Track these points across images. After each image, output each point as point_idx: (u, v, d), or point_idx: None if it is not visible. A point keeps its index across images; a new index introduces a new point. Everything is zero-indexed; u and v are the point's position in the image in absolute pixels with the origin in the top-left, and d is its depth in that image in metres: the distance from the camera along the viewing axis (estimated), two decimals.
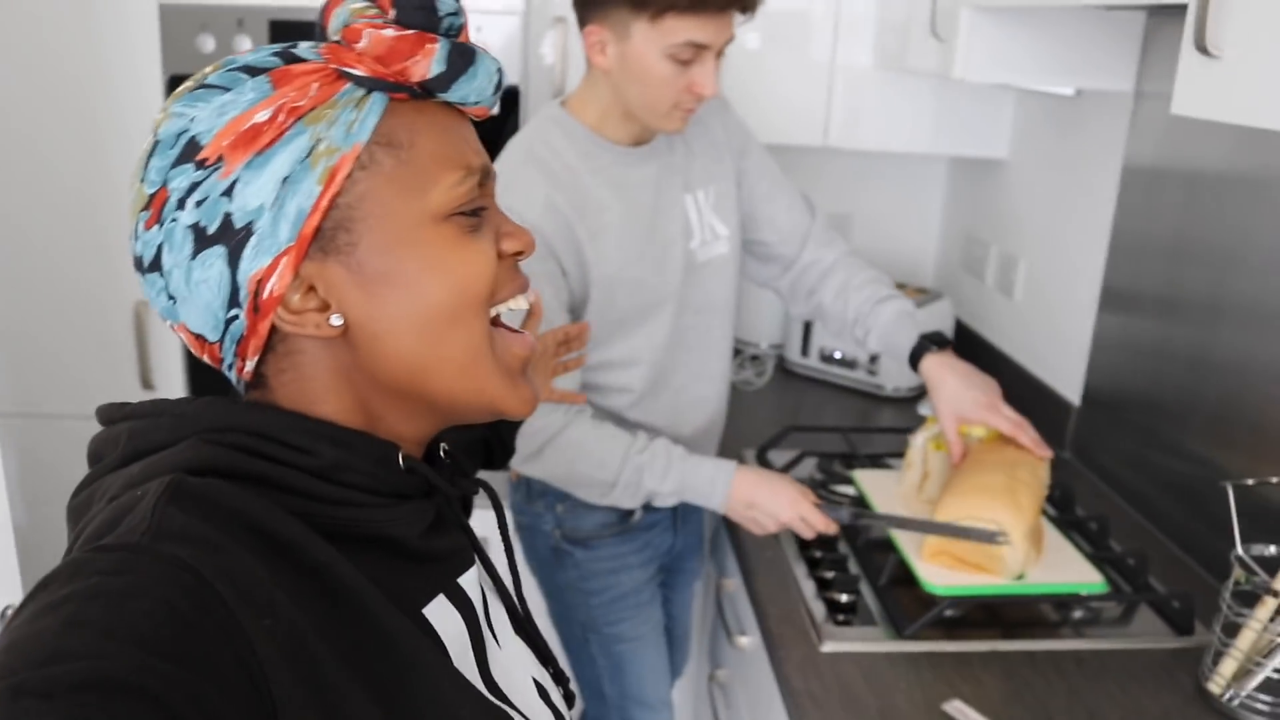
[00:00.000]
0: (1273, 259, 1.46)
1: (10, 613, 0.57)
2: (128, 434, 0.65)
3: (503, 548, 0.85)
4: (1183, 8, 1.08)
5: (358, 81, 0.65)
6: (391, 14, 0.65)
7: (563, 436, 1.52)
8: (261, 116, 0.62)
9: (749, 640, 1.63)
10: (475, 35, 2.03)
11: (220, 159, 0.62)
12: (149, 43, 2.00)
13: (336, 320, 0.65)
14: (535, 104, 2.13)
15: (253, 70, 0.64)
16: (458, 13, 0.67)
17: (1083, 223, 1.98)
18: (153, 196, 0.63)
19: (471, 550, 0.77)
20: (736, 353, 2.40)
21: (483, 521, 0.87)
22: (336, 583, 0.61)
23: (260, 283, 0.64)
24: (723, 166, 1.70)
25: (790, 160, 2.30)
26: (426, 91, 0.67)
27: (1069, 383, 2.03)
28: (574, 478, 1.56)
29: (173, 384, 2.18)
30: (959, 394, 1.59)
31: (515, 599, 0.83)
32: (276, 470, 0.63)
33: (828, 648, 1.37)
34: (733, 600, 1.75)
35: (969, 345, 2.39)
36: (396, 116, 0.66)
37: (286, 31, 1.99)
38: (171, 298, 0.65)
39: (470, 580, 0.75)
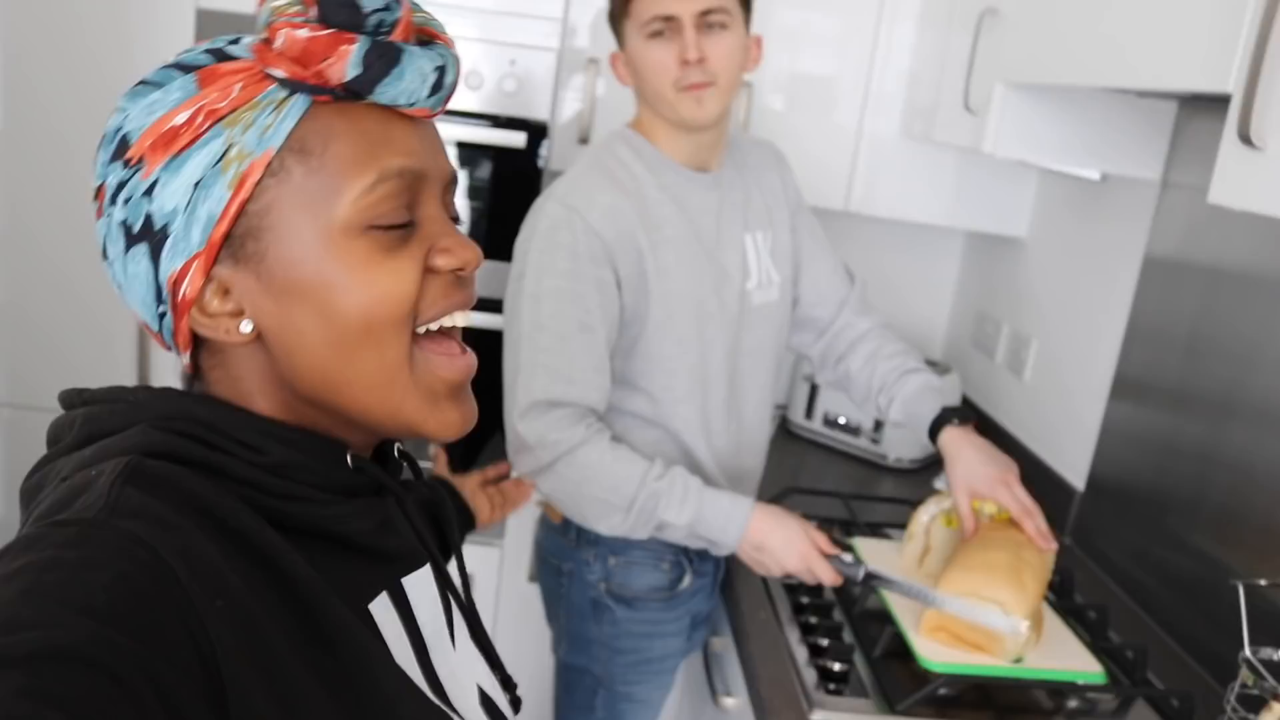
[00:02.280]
0: None
1: None
2: (83, 418, 0.66)
3: (456, 558, 0.85)
4: (1218, 99, 1.08)
5: (281, 83, 0.63)
6: (313, 12, 0.62)
7: (579, 453, 1.48)
8: (181, 118, 0.62)
9: (735, 702, 1.59)
10: (509, 68, 2.03)
11: (142, 159, 0.62)
12: (182, 47, 2.00)
13: (246, 327, 0.65)
14: (561, 142, 2.13)
15: (184, 68, 0.64)
16: (389, 7, 0.64)
17: (1099, 308, 1.97)
18: (97, 189, 0.65)
19: (424, 553, 0.76)
20: None
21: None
22: (287, 573, 0.61)
23: (175, 284, 0.64)
24: (780, 215, 1.71)
25: None
26: (352, 94, 0.64)
27: (1074, 468, 2.00)
28: (583, 499, 1.51)
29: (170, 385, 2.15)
30: (975, 468, 1.57)
31: (468, 606, 0.83)
32: (227, 460, 0.63)
33: (817, 716, 1.33)
34: (719, 660, 1.71)
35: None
36: (316, 120, 0.63)
37: None
38: (117, 285, 0.67)
39: (417, 581, 0.75)
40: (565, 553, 1.67)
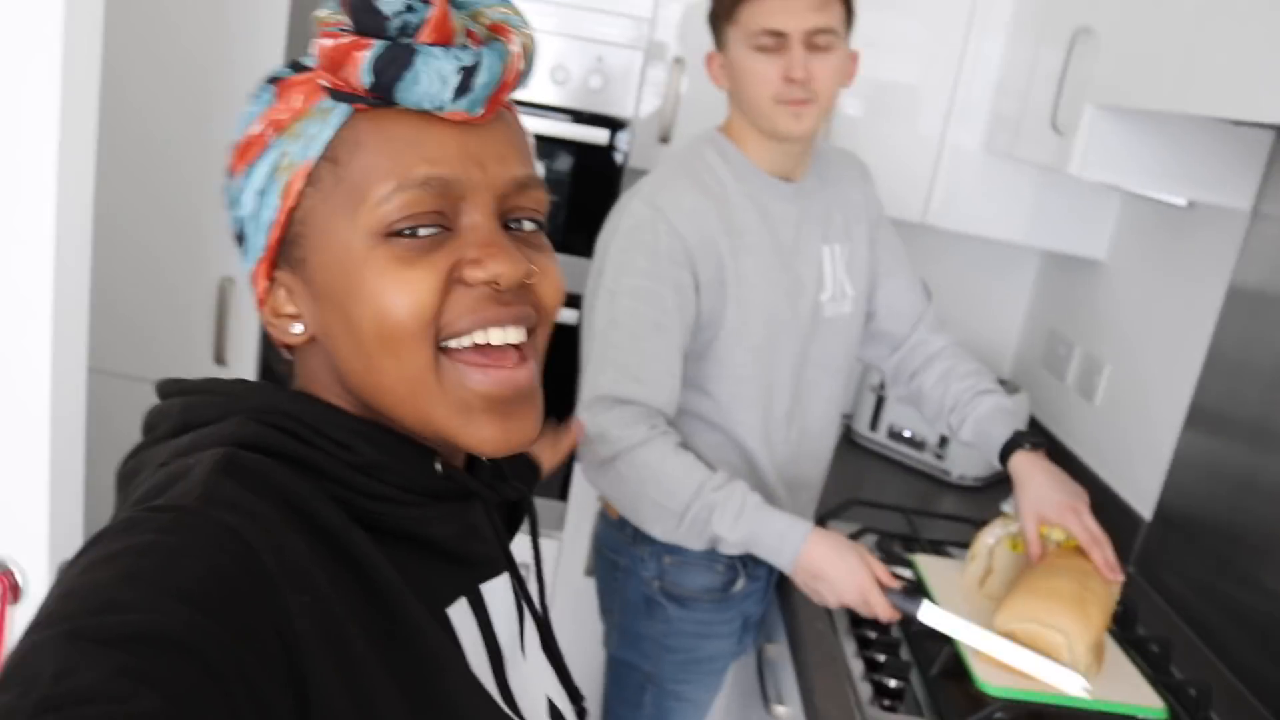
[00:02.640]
0: None
1: (65, 565, 0.58)
2: (180, 408, 0.67)
3: (534, 565, 0.86)
4: None
5: (331, 93, 0.64)
6: (348, 21, 0.63)
7: (638, 453, 1.48)
8: (256, 129, 0.66)
9: (786, 711, 1.59)
10: (595, 64, 2.04)
11: (232, 169, 0.68)
12: (275, 29, 2.03)
13: (296, 329, 0.68)
14: (642, 140, 2.13)
15: (272, 80, 0.67)
16: (413, 9, 0.62)
17: (1178, 336, 1.93)
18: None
19: (503, 560, 0.77)
20: None
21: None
22: (371, 573, 0.62)
23: (253, 283, 0.69)
24: (859, 229, 1.71)
25: None
26: (382, 100, 0.63)
27: (1142, 496, 1.97)
28: (639, 501, 1.52)
29: (245, 362, 2.19)
30: (1045, 494, 1.55)
31: (542, 616, 0.83)
32: (319, 456, 0.64)
33: None
34: (773, 667, 1.71)
35: None
36: (352, 129, 0.64)
37: None
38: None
39: (494, 589, 0.75)
40: (621, 548, 1.68)
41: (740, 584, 1.66)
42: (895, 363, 1.82)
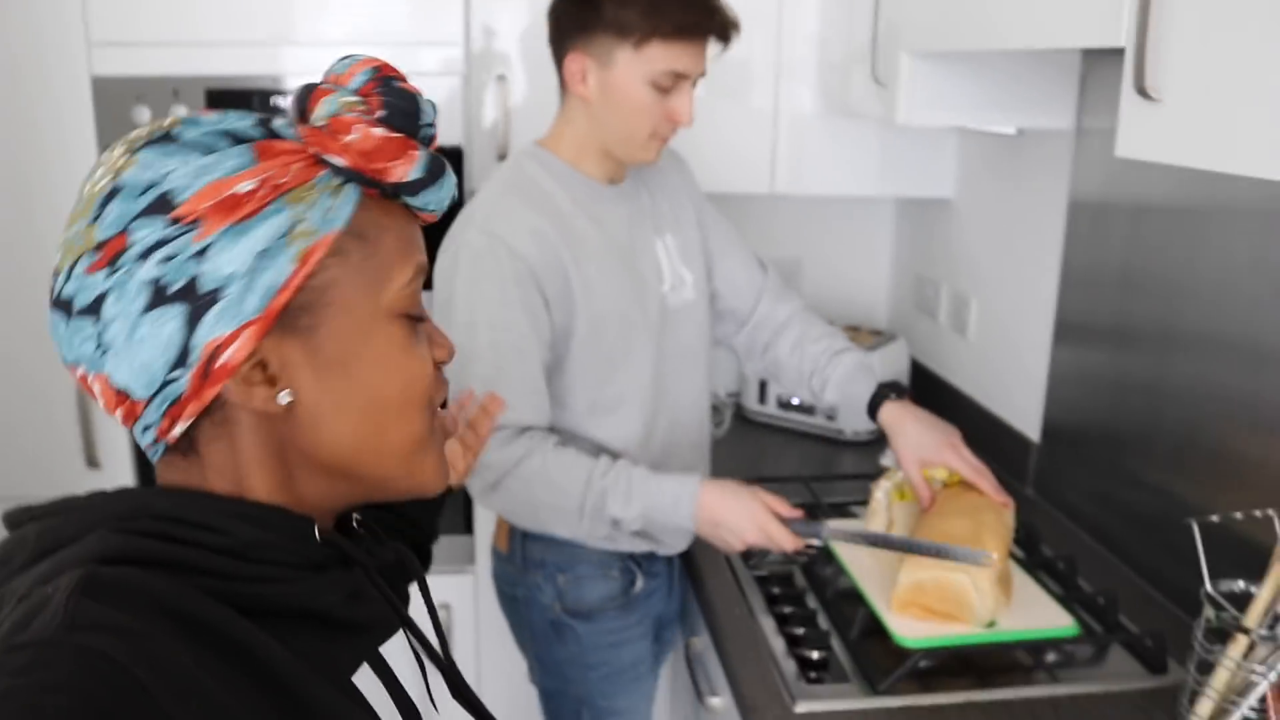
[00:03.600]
0: (1221, 289, 1.47)
1: None
2: (35, 534, 0.64)
3: (429, 616, 0.85)
4: (1117, 52, 1.08)
5: (335, 170, 0.66)
6: (380, 113, 0.67)
7: (522, 466, 1.48)
8: (245, 186, 0.63)
9: (720, 701, 1.59)
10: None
11: (197, 220, 0.62)
12: (82, 114, 1.96)
13: (285, 398, 0.66)
14: (479, 164, 2.11)
15: (235, 137, 0.65)
16: (433, 124, 0.70)
17: (1032, 259, 1.99)
18: (105, 242, 0.62)
19: (396, 619, 0.77)
20: None
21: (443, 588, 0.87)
22: (263, 661, 0.61)
23: (217, 349, 0.63)
24: (686, 215, 1.71)
25: (737, 207, 2.30)
26: (394, 192, 0.68)
27: (1028, 419, 2.02)
28: (537, 508, 1.52)
29: (120, 462, 2.12)
30: (919, 438, 1.59)
31: (445, 662, 0.82)
32: (190, 553, 0.63)
33: (801, 708, 1.34)
34: (701, 659, 1.71)
35: (926, 385, 2.39)
36: (366, 210, 0.68)
37: (222, 100, 1.96)
38: (100, 347, 0.63)
39: (393, 649, 0.76)
40: (516, 579, 1.68)
41: (639, 584, 1.66)
42: (745, 339, 1.84)
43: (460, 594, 2.21)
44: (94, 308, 0.63)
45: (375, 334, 0.68)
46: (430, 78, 2.01)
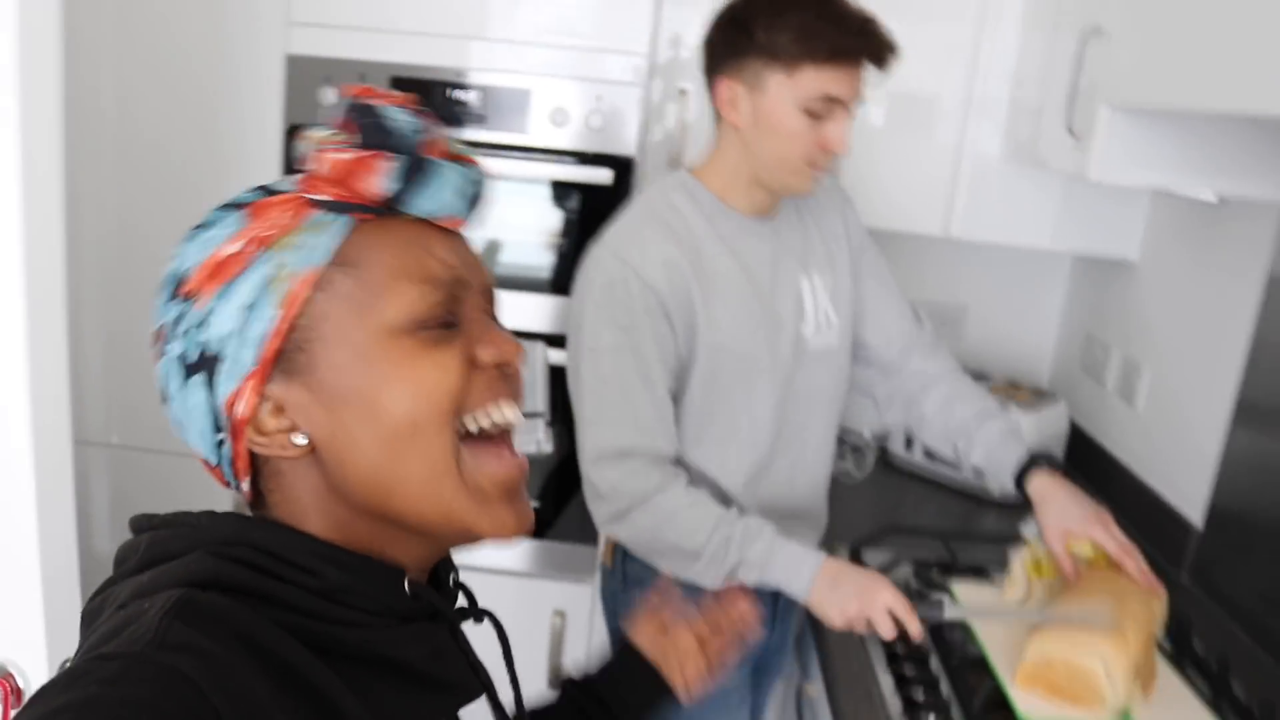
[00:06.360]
0: None
1: (68, 664, 0.58)
2: (146, 543, 0.67)
3: (511, 688, 0.83)
4: None
5: (328, 207, 0.66)
6: (357, 138, 0.66)
7: (654, 500, 1.47)
8: (231, 249, 0.65)
9: None
10: (594, 104, 2.02)
11: (198, 292, 0.65)
12: (273, 90, 2.04)
13: (299, 440, 0.67)
14: (652, 178, 2.11)
15: (236, 206, 0.67)
16: (426, 130, 0.68)
17: (1218, 332, 1.87)
18: (155, 333, 0.68)
19: (476, 683, 0.76)
20: (839, 442, 2.33)
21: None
22: (336, 707, 0.61)
23: (231, 406, 0.66)
24: (841, 258, 1.67)
25: (907, 247, 2.23)
26: (391, 209, 0.67)
27: (1192, 501, 1.90)
28: (658, 544, 1.51)
29: None
30: (1067, 509, 1.51)
31: None
32: (279, 587, 0.63)
33: None
34: (813, 707, 1.66)
35: (1084, 451, 2.28)
36: (361, 236, 0.67)
37: (406, 88, 2.01)
38: (175, 425, 0.69)
39: (476, 713, 0.75)
40: (617, 594, 1.67)
41: None
42: (889, 389, 1.79)
43: (578, 603, 2.21)
44: (163, 394, 0.69)
45: (378, 357, 0.66)
46: (611, 85, 2.02)
